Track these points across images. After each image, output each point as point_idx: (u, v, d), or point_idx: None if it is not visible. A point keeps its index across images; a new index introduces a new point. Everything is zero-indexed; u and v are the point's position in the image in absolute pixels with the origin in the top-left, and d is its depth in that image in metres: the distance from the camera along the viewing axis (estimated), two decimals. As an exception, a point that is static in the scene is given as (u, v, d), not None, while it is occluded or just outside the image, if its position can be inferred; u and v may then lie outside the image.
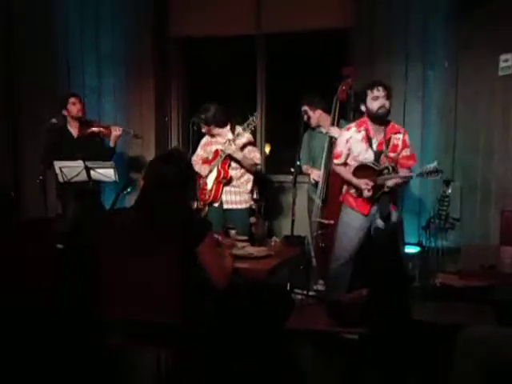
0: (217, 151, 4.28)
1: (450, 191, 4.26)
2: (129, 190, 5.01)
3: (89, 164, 4.33)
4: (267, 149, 4.50)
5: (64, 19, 5.51)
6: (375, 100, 3.52)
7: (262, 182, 4.77)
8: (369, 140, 3.61)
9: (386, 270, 3.35)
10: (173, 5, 5.39)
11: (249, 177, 4.31)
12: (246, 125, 4.09)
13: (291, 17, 4.98)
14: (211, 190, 4.24)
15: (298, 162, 4.30)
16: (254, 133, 4.39)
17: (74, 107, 4.56)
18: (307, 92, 4.47)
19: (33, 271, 2.96)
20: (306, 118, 4.32)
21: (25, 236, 2.95)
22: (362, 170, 3.59)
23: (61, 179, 4.39)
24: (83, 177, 4.33)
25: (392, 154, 3.61)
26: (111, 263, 2.56)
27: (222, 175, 4.21)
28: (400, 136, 3.62)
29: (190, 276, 2.46)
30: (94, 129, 4.62)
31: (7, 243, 2.86)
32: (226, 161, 4.21)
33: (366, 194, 3.55)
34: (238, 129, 4.20)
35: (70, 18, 5.50)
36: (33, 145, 5.46)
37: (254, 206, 4.37)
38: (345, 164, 3.73)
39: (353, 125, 3.70)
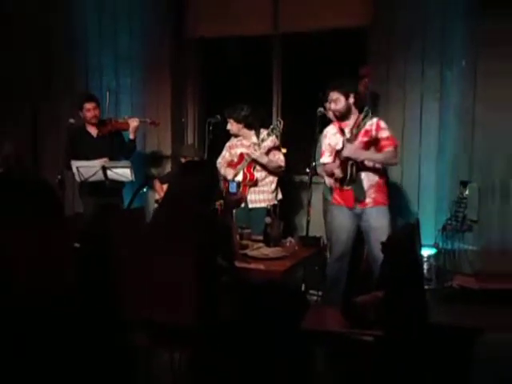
0: (242, 155, 4.35)
1: (467, 192, 4.22)
2: (145, 189, 5.05)
3: (105, 164, 4.36)
4: (283, 149, 4.50)
5: (82, 20, 5.57)
6: (330, 104, 3.79)
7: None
8: (341, 130, 3.75)
9: (403, 271, 3.33)
10: (189, 5, 5.41)
11: (273, 177, 4.39)
12: (270, 130, 4.21)
13: (308, 16, 4.96)
14: None
15: (314, 163, 4.29)
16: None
17: (88, 113, 4.58)
18: (323, 91, 4.45)
19: (51, 270, 2.98)
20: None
21: (42, 235, 2.98)
22: (339, 156, 3.72)
23: (78, 179, 4.44)
24: (100, 176, 4.37)
25: (366, 139, 3.64)
26: (128, 263, 2.58)
27: (247, 178, 4.30)
28: (372, 121, 3.65)
29: (207, 278, 2.48)
30: (112, 125, 4.64)
31: (26, 241, 2.89)
32: (251, 164, 4.31)
33: (337, 172, 3.66)
34: (263, 133, 4.25)
35: (88, 18, 5.56)
36: (52, 144, 5.53)
37: (269, 206, 4.38)
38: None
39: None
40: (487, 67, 4.35)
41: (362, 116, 3.54)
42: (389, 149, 3.67)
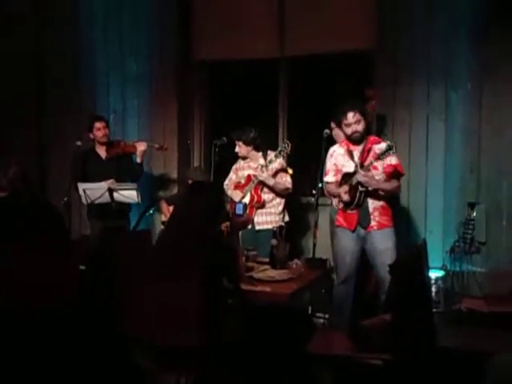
0: (249, 176, 4.37)
1: (474, 214, 4.20)
2: (151, 211, 5.05)
3: (111, 186, 4.37)
4: (290, 170, 4.51)
5: (90, 42, 5.65)
6: (348, 127, 3.68)
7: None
8: (350, 152, 3.74)
9: (410, 293, 3.31)
10: (196, 28, 5.47)
11: (280, 199, 4.39)
12: (278, 151, 4.23)
13: (314, 39, 5.00)
14: None
15: (320, 184, 4.29)
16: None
17: (98, 132, 4.62)
18: (330, 115, 4.47)
19: (57, 292, 2.98)
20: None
21: (48, 257, 2.98)
22: (345, 179, 3.71)
23: (84, 201, 4.44)
24: (106, 198, 4.38)
25: (376, 163, 3.62)
26: (134, 285, 2.57)
27: (255, 200, 4.32)
28: (382, 146, 3.62)
29: (212, 301, 2.47)
30: (121, 148, 4.66)
31: (34, 264, 2.89)
32: (258, 186, 4.32)
33: (345, 197, 3.63)
34: (271, 155, 4.27)
35: (96, 40, 5.63)
36: (59, 163, 5.55)
37: (275, 228, 4.37)
38: (338, 183, 3.78)
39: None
40: (492, 89, 4.36)
41: (384, 147, 3.54)
42: (395, 179, 3.69)
